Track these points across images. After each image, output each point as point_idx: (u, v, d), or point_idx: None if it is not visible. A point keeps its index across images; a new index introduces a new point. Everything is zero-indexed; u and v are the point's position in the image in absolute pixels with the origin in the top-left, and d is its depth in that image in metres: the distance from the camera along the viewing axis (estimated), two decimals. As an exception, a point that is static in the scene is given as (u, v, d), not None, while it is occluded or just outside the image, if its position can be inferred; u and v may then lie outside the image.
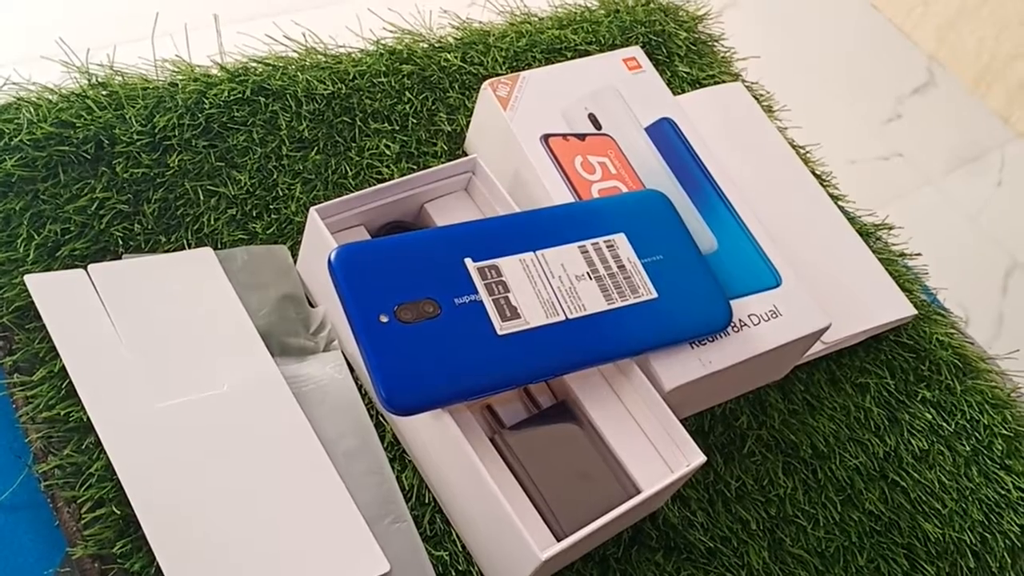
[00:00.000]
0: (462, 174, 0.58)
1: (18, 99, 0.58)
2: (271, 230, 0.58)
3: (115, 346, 0.49)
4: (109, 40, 0.78)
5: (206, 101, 0.61)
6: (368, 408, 0.53)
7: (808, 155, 0.78)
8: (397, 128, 0.65)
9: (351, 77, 0.66)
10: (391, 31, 0.71)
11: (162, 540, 0.44)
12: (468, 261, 0.50)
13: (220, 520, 0.45)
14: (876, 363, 0.67)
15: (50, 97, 0.58)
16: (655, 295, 0.53)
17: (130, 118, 0.59)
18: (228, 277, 0.54)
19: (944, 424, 0.66)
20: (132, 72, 0.62)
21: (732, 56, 0.82)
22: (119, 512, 0.46)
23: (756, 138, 0.73)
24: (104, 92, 0.60)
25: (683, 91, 0.76)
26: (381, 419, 0.53)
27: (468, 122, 0.66)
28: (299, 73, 0.65)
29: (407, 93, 0.67)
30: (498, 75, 0.70)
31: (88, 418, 0.47)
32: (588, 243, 0.53)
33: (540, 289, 0.50)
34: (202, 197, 0.58)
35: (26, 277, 0.50)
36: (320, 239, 0.52)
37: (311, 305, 0.56)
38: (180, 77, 0.62)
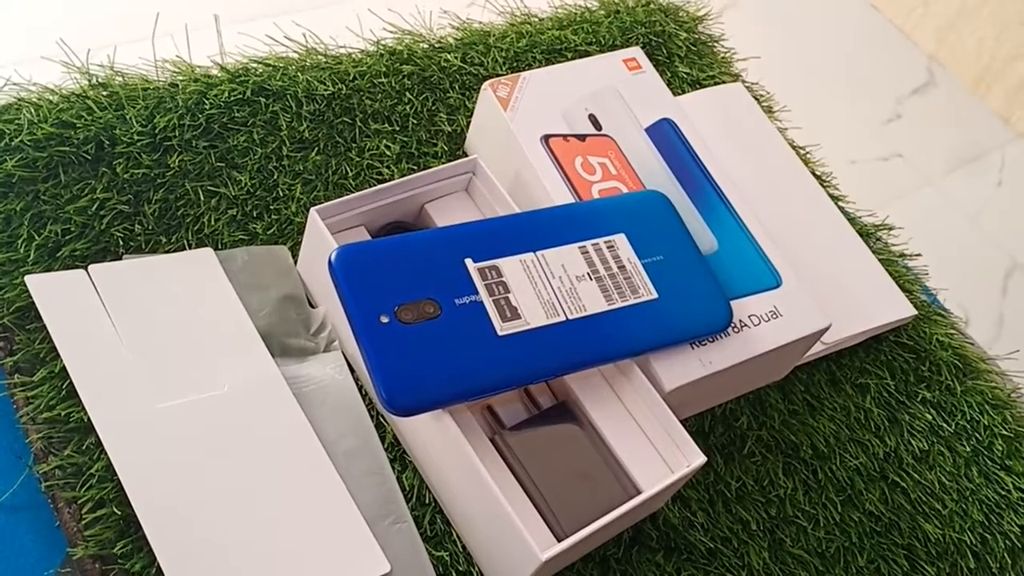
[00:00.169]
0: (462, 175, 0.58)
1: (19, 100, 0.58)
2: (271, 231, 0.58)
3: (116, 347, 0.49)
4: (109, 40, 0.78)
5: (206, 102, 0.61)
6: (368, 408, 0.53)
7: (808, 155, 0.78)
8: (397, 129, 0.65)
9: (351, 78, 0.66)
10: (391, 31, 0.71)
11: (163, 540, 0.44)
12: (468, 262, 0.50)
13: (221, 520, 0.45)
14: (876, 364, 0.67)
15: (51, 98, 0.58)
16: (655, 296, 0.53)
17: (130, 119, 0.59)
18: (228, 278, 0.54)
19: (944, 425, 0.66)
20: (132, 73, 0.62)
21: (732, 57, 0.82)
22: (120, 512, 0.46)
23: (756, 139, 0.73)
24: (104, 93, 0.60)
25: (683, 92, 0.76)
26: (381, 419, 0.53)
27: (468, 123, 0.66)
28: (299, 74, 0.65)
29: (407, 94, 0.67)
30: (498, 76, 0.70)
31: (88, 418, 0.47)
32: (588, 244, 0.53)
33: (540, 290, 0.50)
34: (202, 198, 0.58)
35: (27, 278, 0.50)
36: (320, 239, 0.52)
37: (311, 306, 0.56)
38: (180, 78, 0.62)
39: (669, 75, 0.77)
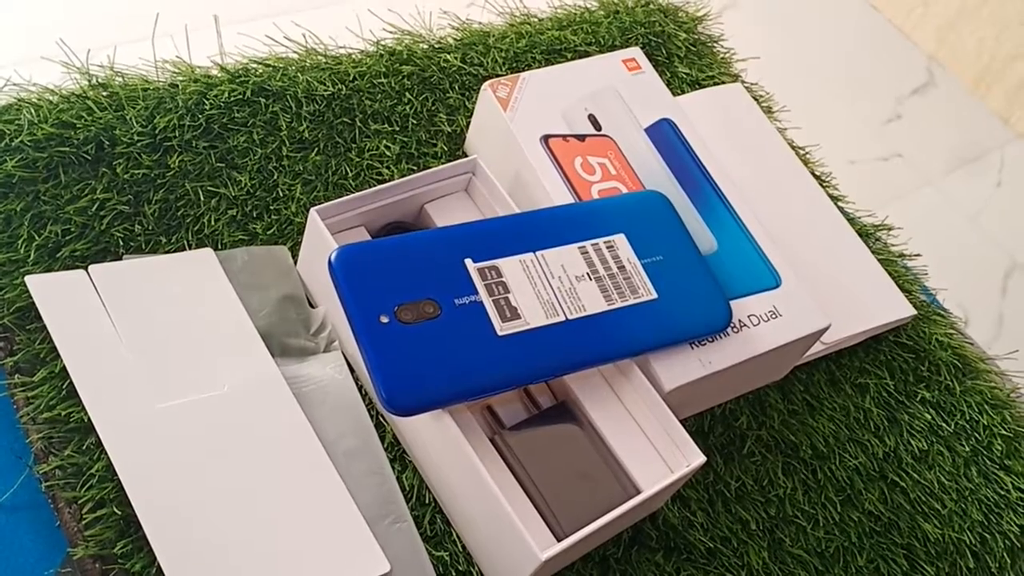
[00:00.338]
0: (462, 175, 0.58)
1: (19, 100, 0.58)
2: (271, 231, 0.58)
3: (116, 347, 0.49)
4: (109, 41, 0.78)
5: (206, 102, 0.61)
6: (368, 408, 0.53)
7: (808, 156, 0.78)
8: (397, 129, 0.65)
9: (351, 78, 0.66)
10: (391, 32, 0.71)
11: (163, 540, 0.44)
12: (468, 262, 0.50)
13: (221, 520, 0.46)
14: (876, 363, 0.67)
15: (51, 98, 0.58)
16: (655, 296, 0.53)
17: (130, 119, 0.59)
18: (228, 278, 0.54)
19: (944, 424, 0.66)
20: (132, 73, 0.62)
21: (732, 57, 0.82)
22: (120, 512, 0.46)
23: (756, 139, 0.73)
24: (104, 93, 0.60)
25: (683, 92, 0.76)
26: (381, 419, 0.53)
27: (468, 123, 0.67)
28: (299, 74, 0.65)
29: (407, 94, 0.67)
30: (498, 76, 0.70)
31: (89, 419, 0.47)
32: (588, 244, 0.53)
33: (540, 290, 0.50)
34: (202, 198, 0.58)
35: (27, 278, 0.50)
36: (320, 240, 0.52)
37: (311, 306, 0.56)
38: (180, 78, 0.62)
39: (669, 75, 0.77)
